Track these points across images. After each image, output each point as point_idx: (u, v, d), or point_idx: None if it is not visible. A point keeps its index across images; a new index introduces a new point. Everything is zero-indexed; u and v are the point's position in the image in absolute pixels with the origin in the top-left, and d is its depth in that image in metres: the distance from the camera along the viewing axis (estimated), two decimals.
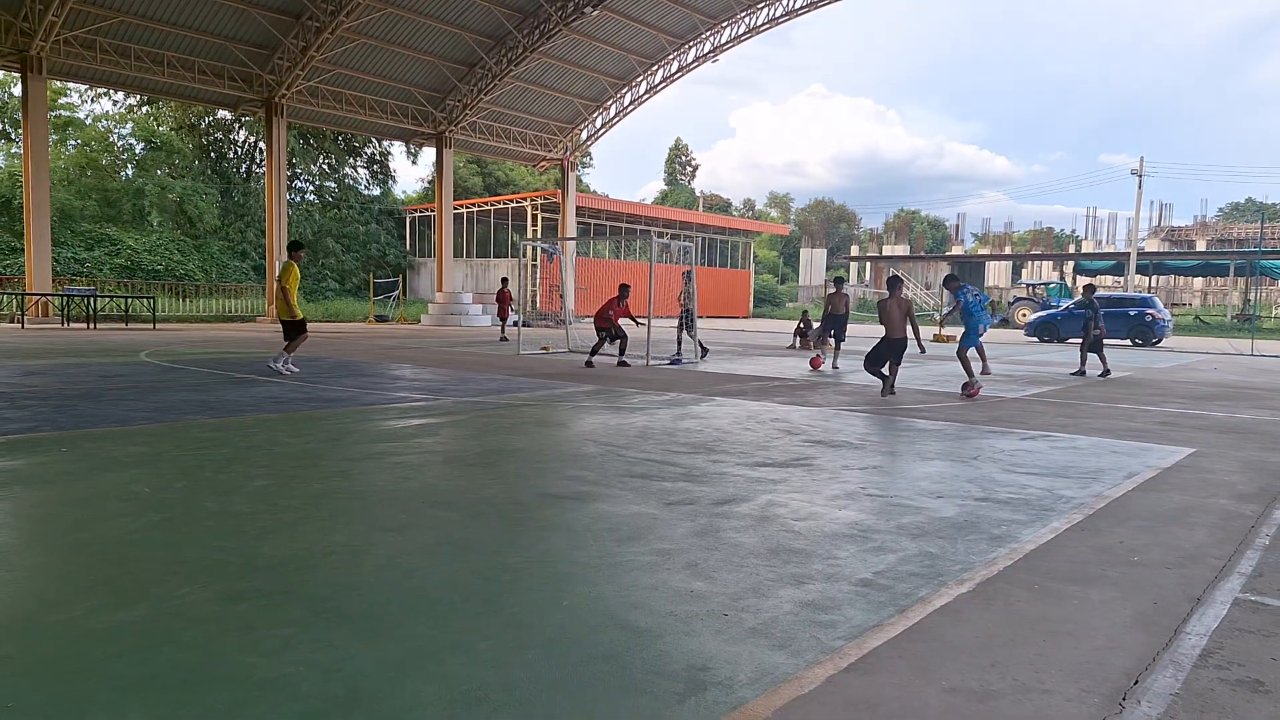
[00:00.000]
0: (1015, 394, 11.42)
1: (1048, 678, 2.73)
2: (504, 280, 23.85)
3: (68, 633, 2.88)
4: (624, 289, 14.73)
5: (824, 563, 3.80)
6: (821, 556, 3.89)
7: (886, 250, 60.97)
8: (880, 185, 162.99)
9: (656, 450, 6.48)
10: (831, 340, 15.30)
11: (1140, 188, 43.46)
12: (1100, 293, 37.58)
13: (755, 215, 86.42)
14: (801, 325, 21.14)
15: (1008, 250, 58.96)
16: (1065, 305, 30.24)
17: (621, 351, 14.92)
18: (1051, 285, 44.02)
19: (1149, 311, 26.10)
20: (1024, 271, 59.62)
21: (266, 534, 4.08)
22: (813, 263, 64.38)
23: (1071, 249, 63.22)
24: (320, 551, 3.85)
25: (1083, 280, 51.89)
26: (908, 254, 58.99)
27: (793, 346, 20.70)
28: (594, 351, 14.61)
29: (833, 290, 15.50)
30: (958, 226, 67.36)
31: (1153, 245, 55.17)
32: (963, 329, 11.92)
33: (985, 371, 13.61)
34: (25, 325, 21.85)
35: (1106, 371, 14.51)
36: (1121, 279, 47.51)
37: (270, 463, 5.80)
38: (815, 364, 14.85)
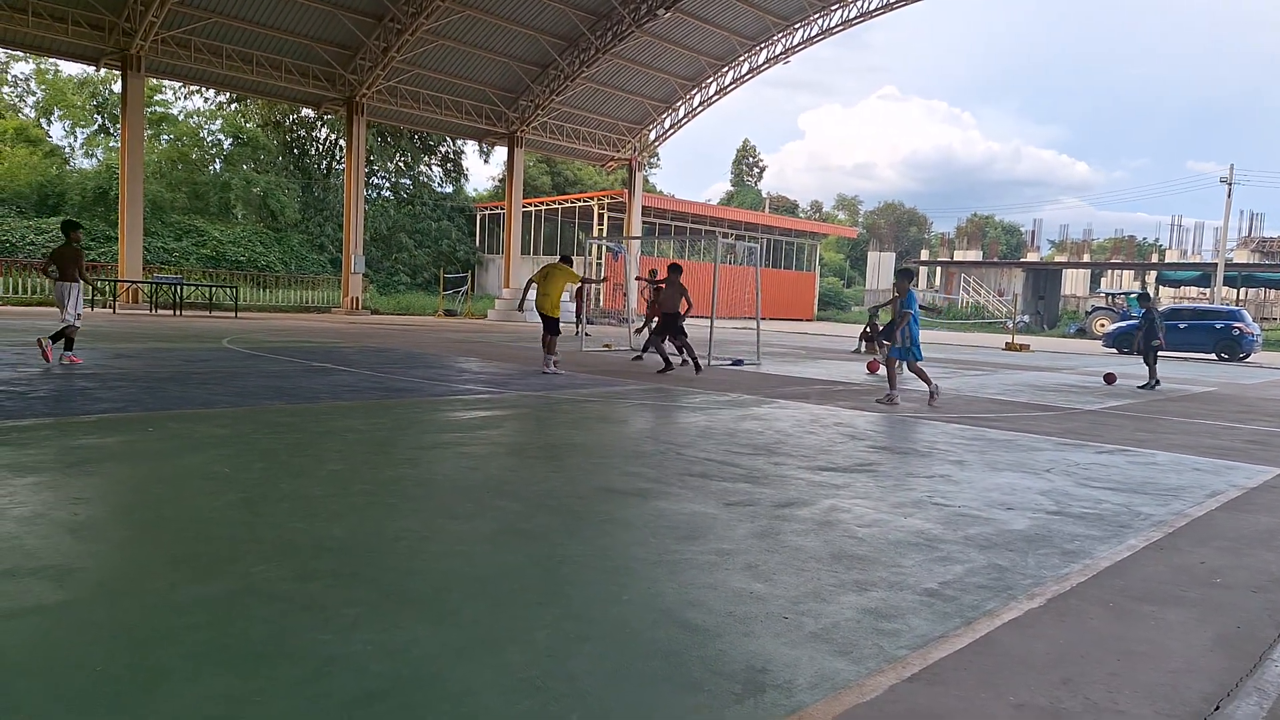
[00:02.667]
0: (1091, 406, 11.05)
1: (1122, 698, 2.63)
2: (653, 272, 20.20)
3: (152, 603, 3.01)
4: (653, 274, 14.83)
5: (888, 570, 3.74)
6: (885, 564, 3.83)
7: (958, 255, 59.54)
8: (953, 189, 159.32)
9: (717, 450, 6.46)
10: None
11: (1230, 196, 41.67)
12: (1185, 304, 36.22)
13: (822, 217, 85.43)
14: (868, 329, 20.81)
15: (1086, 258, 56.99)
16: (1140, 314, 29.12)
17: (644, 348, 15.05)
18: (1132, 295, 42.49)
19: (1236, 325, 25.02)
20: (1103, 280, 57.57)
21: (337, 517, 4.20)
22: (880, 266, 63.26)
23: (1154, 258, 60.85)
24: (388, 536, 3.95)
25: (1166, 290, 50.03)
26: (980, 259, 57.52)
27: (859, 350, 20.40)
28: (656, 349, 14.58)
29: (896, 295, 15.19)
30: (1034, 233, 65.33)
31: (1242, 256, 52.75)
32: (903, 333, 10.31)
33: (889, 395, 10.55)
34: (116, 310, 22.86)
35: (1155, 383, 14.02)
36: (1208, 290, 45.57)
37: (343, 448, 5.96)
38: (872, 368, 14.63)
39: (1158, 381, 14.21)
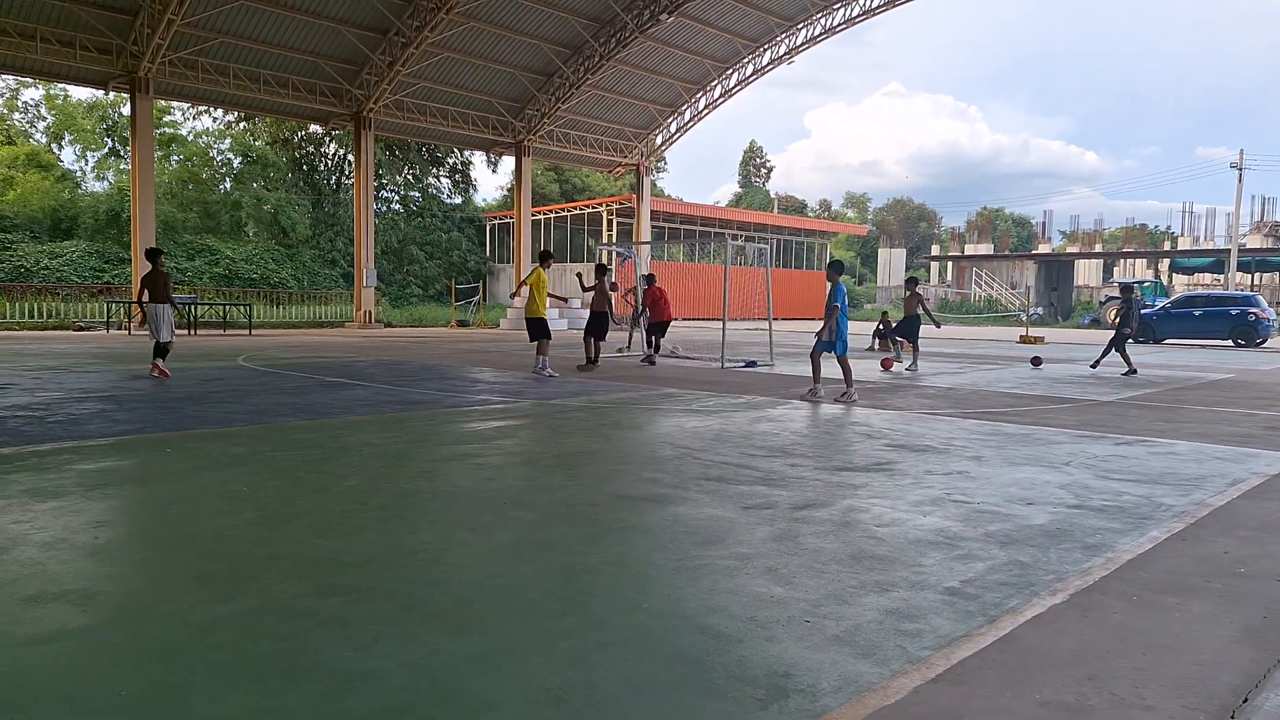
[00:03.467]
0: (1109, 397, 10.97)
1: (1148, 693, 2.61)
2: (649, 277, 17.31)
3: (174, 624, 3.03)
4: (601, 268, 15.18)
5: (908, 570, 3.72)
6: (906, 564, 3.81)
7: (969, 249, 59.22)
8: (962, 183, 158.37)
9: (733, 453, 6.44)
10: (905, 342, 15.05)
11: (1240, 181, 41.33)
12: (1200, 291, 35.90)
13: (831, 216, 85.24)
14: (881, 327, 20.75)
15: (1098, 248, 56.59)
16: (1161, 304, 28.89)
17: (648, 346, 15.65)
18: (1146, 284, 42.18)
19: (1252, 311, 24.78)
20: (1116, 270, 57.18)
21: (356, 532, 4.22)
22: (891, 263, 63.02)
23: (1167, 246, 60.37)
24: (407, 549, 3.96)
25: (1179, 278, 49.59)
26: (991, 253, 57.19)
27: (872, 348, 20.33)
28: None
29: (908, 293, 15.19)
30: (1044, 224, 64.90)
31: (1255, 241, 52.19)
32: (823, 329, 10.19)
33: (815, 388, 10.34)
34: (132, 332, 23.03)
35: (1131, 371, 14.24)
36: (1221, 277, 45.15)
37: (359, 463, 5.99)
38: (887, 365, 14.61)
39: (1133, 370, 14.34)
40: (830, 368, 10.74)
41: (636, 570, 3.71)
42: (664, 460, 6.18)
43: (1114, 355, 14.61)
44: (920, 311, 14.86)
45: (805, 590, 3.43)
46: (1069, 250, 57.76)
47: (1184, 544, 4.24)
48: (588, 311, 14.78)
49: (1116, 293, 42.73)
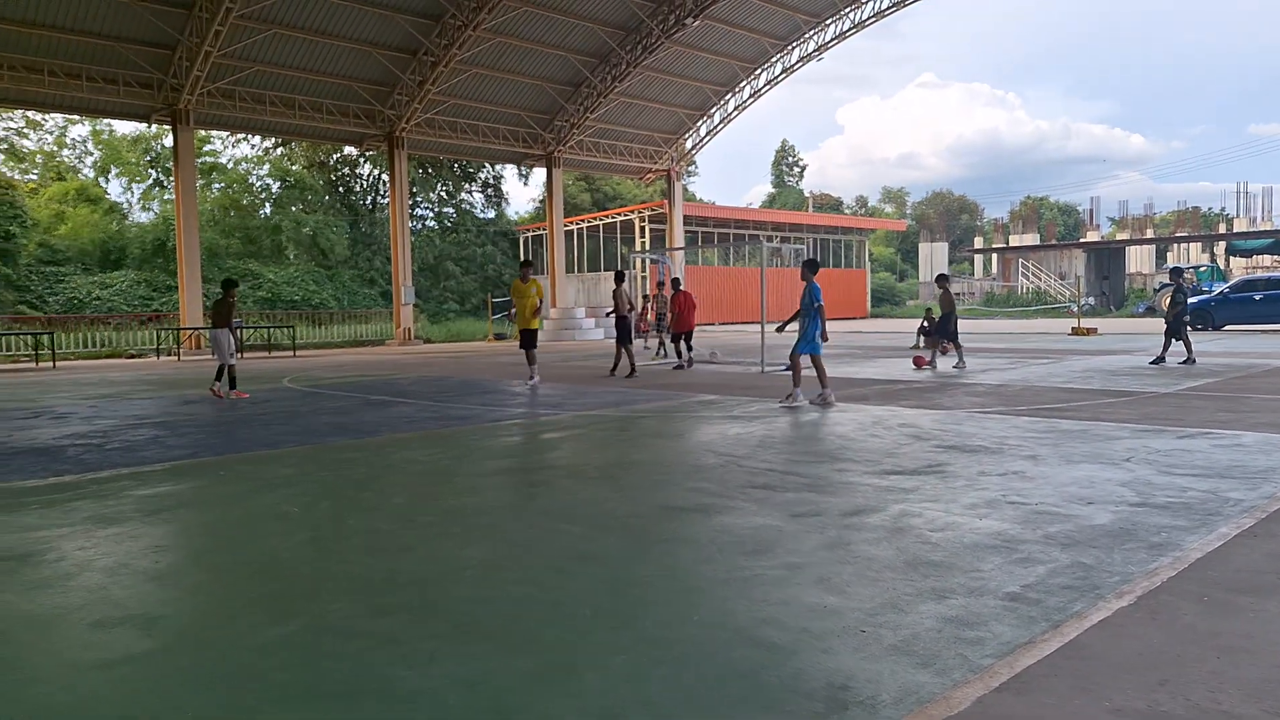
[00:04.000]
0: (1169, 389, 10.67)
1: (1225, 698, 2.51)
2: (676, 281, 17.89)
3: (236, 646, 3.07)
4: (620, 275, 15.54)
5: (966, 576, 3.64)
6: (963, 569, 3.72)
7: (1014, 240, 58.22)
8: (1003, 173, 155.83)
9: (778, 460, 6.38)
10: (949, 342, 14.86)
11: None
12: (1260, 275, 34.92)
13: (869, 212, 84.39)
14: (925, 324, 20.46)
15: (1149, 233, 55.22)
16: (1219, 290, 28.07)
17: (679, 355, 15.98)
18: (1202, 269, 41.06)
19: None
20: (1169, 255, 55.80)
21: (406, 550, 4.24)
22: (933, 257, 62.13)
23: (1221, 228, 58.74)
24: (457, 566, 3.97)
25: (1237, 262, 48.22)
26: (1037, 243, 56.15)
27: (917, 346, 20.05)
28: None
29: (940, 290, 15.00)
30: (1091, 211, 63.55)
31: None
32: (801, 331, 9.97)
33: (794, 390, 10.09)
34: (181, 358, 23.57)
35: (1161, 359, 13.87)
36: None
37: (406, 481, 6.04)
38: (919, 363, 14.46)
39: (1162, 359, 13.97)
40: (844, 368, 10.60)
41: (686, 583, 3.68)
42: (708, 469, 6.14)
43: (1175, 344, 14.21)
44: (949, 309, 14.70)
45: (859, 599, 3.37)
46: (1119, 237, 56.49)
47: (1255, 540, 4.09)
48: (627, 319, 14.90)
49: (1169, 279, 41.80)
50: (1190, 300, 28.03)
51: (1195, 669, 2.71)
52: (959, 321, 14.79)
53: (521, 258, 45.60)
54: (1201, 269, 40.85)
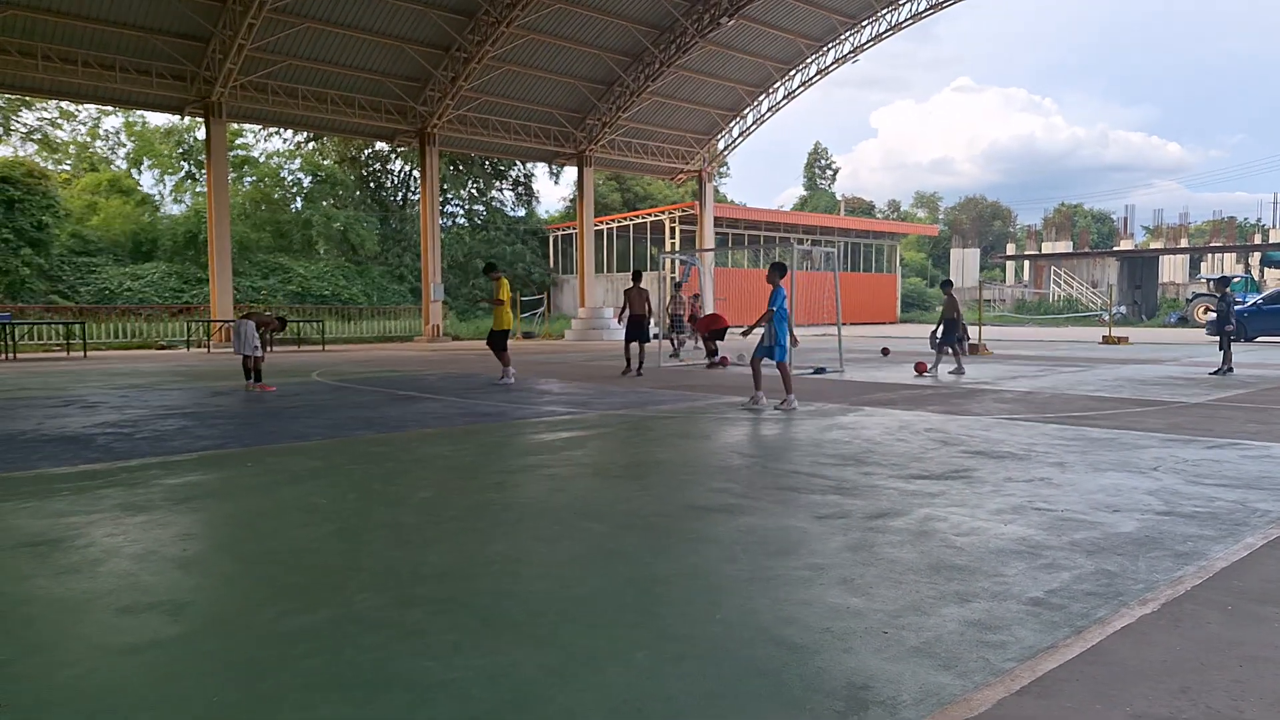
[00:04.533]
0: (1198, 399, 10.53)
1: (1247, 707, 2.49)
2: (675, 285, 21.13)
3: (262, 634, 3.13)
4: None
5: (990, 580, 3.63)
6: (987, 573, 3.71)
7: (1046, 247, 57.50)
8: (1037, 179, 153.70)
9: (804, 462, 6.38)
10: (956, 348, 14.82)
11: None
12: None
13: (900, 216, 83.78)
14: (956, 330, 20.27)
15: (1184, 243, 54.29)
16: (1254, 300, 27.60)
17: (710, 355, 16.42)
18: (1236, 279, 40.37)
19: None
20: (1203, 265, 54.87)
21: (432, 543, 4.30)
22: (964, 263, 61.51)
23: (1257, 239, 57.66)
24: (482, 560, 4.02)
25: (1272, 273, 47.41)
26: (1070, 250, 55.44)
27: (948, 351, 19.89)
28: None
29: (946, 296, 14.96)
30: (1126, 219, 62.61)
31: None
32: (764, 335, 9.77)
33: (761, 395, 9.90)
34: (211, 350, 23.91)
35: (1229, 369, 13.90)
36: None
37: (432, 475, 6.10)
38: (920, 369, 14.49)
39: (1230, 368, 13.98)
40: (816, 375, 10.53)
41: (709, 581, 3.70)
42: (733, 469, 6.15)
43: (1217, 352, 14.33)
44: (955, 315, 14.65)
45: (882, 601, 3.37)
46: (1152, 246, 55.65)
47: None
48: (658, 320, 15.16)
49: (1204, 289, 41.19)
50: None
51: (1217, 677, 2.69)
52: (966, 328, 14.76)
53: (551, 256, 45.82)
54: (1236, 280, 40.15)
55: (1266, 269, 48.61)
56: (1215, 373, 13.85)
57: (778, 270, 9.97)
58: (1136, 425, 8.21)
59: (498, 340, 13.39)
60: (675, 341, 20.04)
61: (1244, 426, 8.11)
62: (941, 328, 14.55)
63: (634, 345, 14.92)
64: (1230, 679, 2.68)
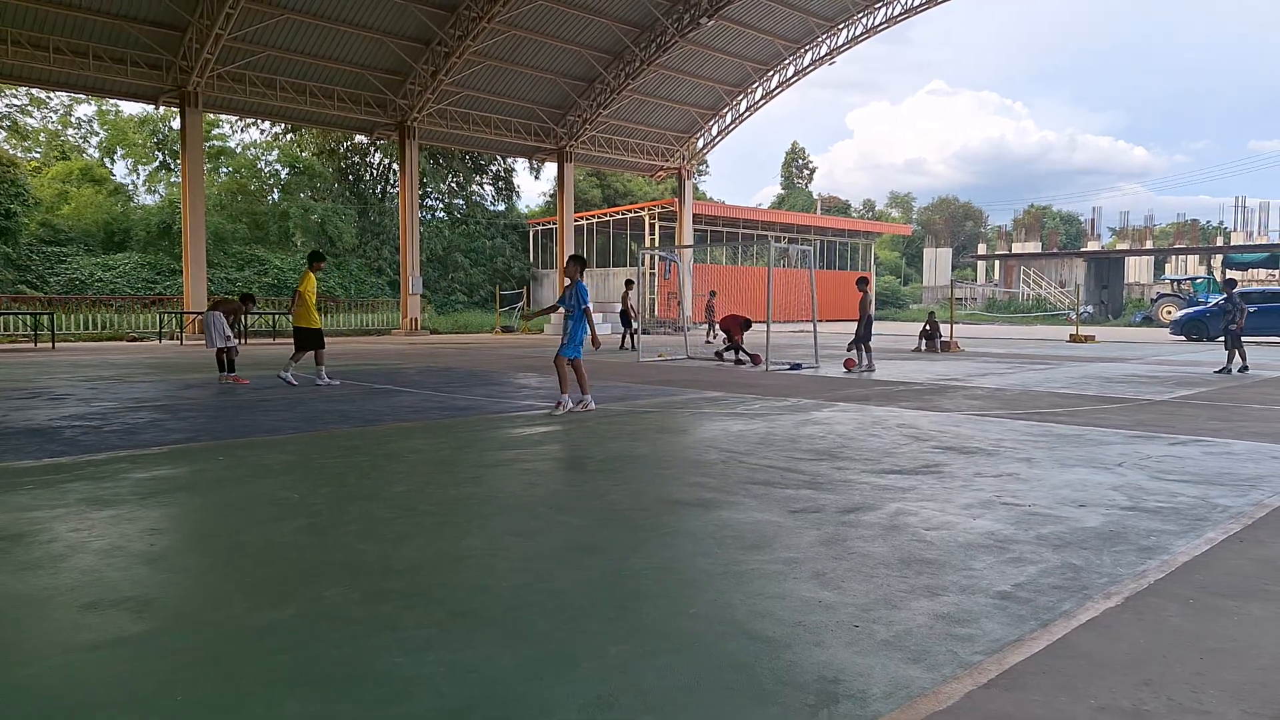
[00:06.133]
0: (1162, 396, 10.71)
1: (1207, 698, 2.55)
2: (627, 283, 22.63)
3: (230, 630, 3.10)
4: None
5: (959, 574, 3.67)
6: (956, 567, 3.76)
7: (1016, 248, 58.20)
8: (1008, 181, 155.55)
9: (779, 457, 6.41)
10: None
11: None
12: (1255, 287, 34.97)
13: (875, 216, 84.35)
14: (927, 327, 20.51)
15: (1149, 244, 55.22)
16: (1215, 301, 28.10)
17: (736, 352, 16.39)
18: (1198, 280, 41.11)
19: None
20: (1168, 267, 55.80)
21: (405, 538, 4.28)
22: (937, 263, 62.16)
23: (1219, 241, 58.70)
24: (456, 555, 4.01)
25: (1231, 274, 48.35)
26: (1039, 251, 56.11)
27: (918, 349, 20.10)
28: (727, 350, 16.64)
29: (861, 294, 15.11)
30: (1093, 221, 63.45)
31: None
32: (566, 334, 9.18)
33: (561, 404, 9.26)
34: (184, 342, 23.61)
35: (1244, 368, 14.21)
36: (1277, 272, 43.78)
37: (407, 469, 6.08)
38: (849, 365, 14.69)
39: (1246, 367, 14.27)
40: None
41: (683, 575, 3.72)
42: (709, 464, 6.18)
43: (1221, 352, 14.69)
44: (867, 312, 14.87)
45: (854, 595, 3.41)
46: (1119, 247, 56.48)
47: (1242, 545, 4.12)
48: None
49: (1169, 290, 41.86)
50: (1187, 311, 28.21)
51: (1179, 670, 2.75)
52: (872, 325, 14.95)
53: (531, 251, 45.62)
54: (1199, 280, 40.87)
55: (1229, 270, 49.53)
56: (1221, 371, 14.13)
57: (577, 263, 9.32)
58: (1102, 422, 8.34)
59: (309, 340, 11.91)
60: (627, 337, 21.02)
61: (1206, 424, 8.26)
62: (935, 326, 14.72)
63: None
64: (1191, 671, 2.73)
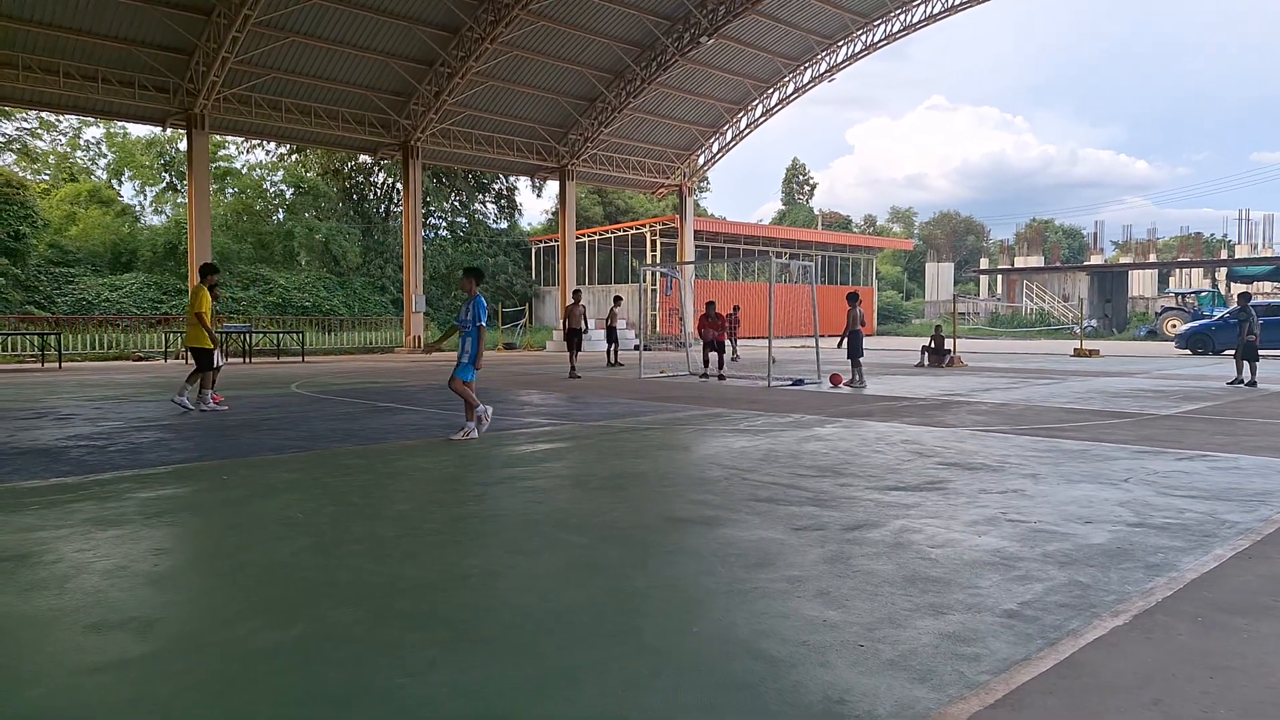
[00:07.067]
0: (1168, 411, 10.67)
1: (1218, 717, 2.53)
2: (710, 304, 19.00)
3: (234, 651, 3.09)
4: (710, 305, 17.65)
5: (964, 592, 3.65)
6: (961, 585, 3.74)
7: (1019, 262, 58.22)
8: (1009, 195, 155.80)
9: (782, 474, 6.40)
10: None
11: None
12: (1258, 300, 34.98)
13: (876, 231, 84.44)
14: (932, 343, 20.48)
15: (1152, 258, 55.21)
16: (1220, 314, 28.02)
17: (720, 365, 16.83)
18: (1203, 293, 41.05)
19: None
20: (1171, 280, 55.74)
21: (409, 557, 4.27)
22: (939, 277, 62.21)
23: (1223, 254, 58.67)
24: (459, 574, 4.00)
25: (1238, 287, 48.31)
26: (1042, 265, 56.12)
27: (921, 364, 20.07)
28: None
29: (850, 309, 15.11)
30: (1096, 235, 63.48)
31: None
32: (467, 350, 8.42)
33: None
34: (189, 361, 23.64)
35: (1253, 382, 14.19)
36: None
37: (410, 488, 6.07)
38: (835, 380, 14.64)
39: (1254, 381, 14.27)
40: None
41: (686, 594, 3.70)
42: (712, 481, 6.16)
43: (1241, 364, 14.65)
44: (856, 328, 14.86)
45: (859, 613, 3.39)
46: (1122, 261, 56.47)
47: (1251, 562, 4.10)
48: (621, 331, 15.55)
49: (1173, 304, 41.84)
50: (1192, 324, 28.17)
51: (1188, 688, 2.72)
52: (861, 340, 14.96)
53: (533, 268, 45.75)
54: (1202, 294, 40.82)
55: (1233, 283, 49.49)
56: (1233, 383, 14.20)
57: (471, 276, 8.62)
58: (1108, 437, 8.30)
59: (203, 360, 11.00)
60: (612, 352, 21.60)
61: (1212, 439, 8.23)
62: (940, 340, 14.74)
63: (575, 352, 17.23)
64: (1201, 690, 2.71)
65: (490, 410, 8.80)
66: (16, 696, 2.73)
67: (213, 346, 11.05)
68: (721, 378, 16.25)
